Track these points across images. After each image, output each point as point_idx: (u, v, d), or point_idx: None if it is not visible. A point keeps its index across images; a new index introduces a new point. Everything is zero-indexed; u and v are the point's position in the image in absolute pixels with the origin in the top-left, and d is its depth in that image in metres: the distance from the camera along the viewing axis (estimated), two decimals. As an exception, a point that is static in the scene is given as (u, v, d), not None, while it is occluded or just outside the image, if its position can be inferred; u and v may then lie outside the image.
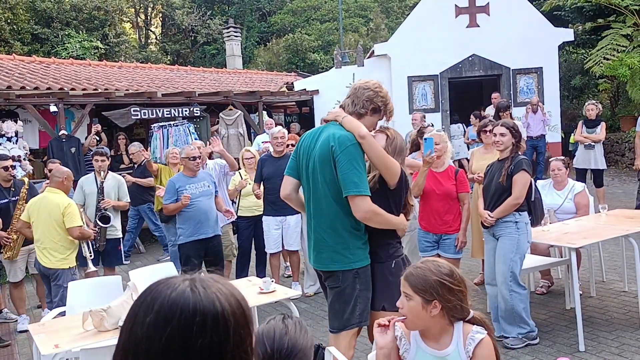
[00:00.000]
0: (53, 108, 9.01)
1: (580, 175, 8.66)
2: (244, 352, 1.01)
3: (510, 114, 8.44)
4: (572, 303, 5.28)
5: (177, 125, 9.77)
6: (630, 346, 4.42)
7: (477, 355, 2.22)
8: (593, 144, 8.66)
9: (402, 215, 3.25)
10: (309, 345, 1.76)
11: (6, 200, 5.97)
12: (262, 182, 6.19)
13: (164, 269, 4.83)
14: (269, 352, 1.69)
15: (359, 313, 3.09)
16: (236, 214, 6.48)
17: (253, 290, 4.05)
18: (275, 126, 9.86)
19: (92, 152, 7.43)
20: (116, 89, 10.09)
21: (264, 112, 11.76)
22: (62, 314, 4.33)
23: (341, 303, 3.09)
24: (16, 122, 9.05)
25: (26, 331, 5.95)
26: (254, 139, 10.78)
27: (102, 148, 7.48)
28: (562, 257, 5.52)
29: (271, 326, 1.77)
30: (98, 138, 9.77)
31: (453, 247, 5.09)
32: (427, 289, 2.18)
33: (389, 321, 2.17)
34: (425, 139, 4.70)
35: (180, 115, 10.04)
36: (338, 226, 3.08)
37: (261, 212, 6.47)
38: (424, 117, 9.12)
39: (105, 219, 6.24)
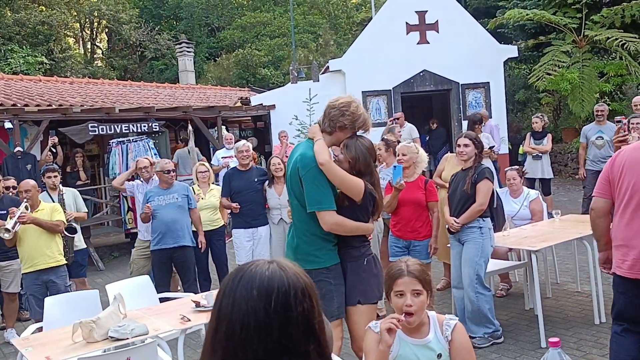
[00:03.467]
0: (8, 124, 8.83)
1: (530, 184, 9.09)
2: (322, 320, 1.18)
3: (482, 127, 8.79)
4: (531, 304, 5.60)
5: (136, 141, 9.72)
6: (587, 341, 4.74)
7: (455, 338, 2.47)
8: (540, 154, 9.12)
9: (361, 226, 3.48)
10: None
11: None
12: (230, 197, 6.30)
13: (140, 282, 4.86)
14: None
15: (337, 306, 3.37)
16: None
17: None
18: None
19: (42, 170, 7.29)
20: (71, 105, 9.97)
21: (223, 127, 11.82)
22: (39, 329, 4.30)
23: (320, 298, 3.28)
24: (-32, 139, 8.83)
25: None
26: (213, 154, 10.82)
27: (52, 164, 7.66)
28: (520, 260, 5.85)
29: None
30: (54, 151, 9.62)
31: (423, 253, 5.33)
32: (428, 282, 2.39)
33: (398, 321, 2.33)
34: (394, 167, 4.96)
35: (139, 130, 9.99)
36: (309, 233, 3.40)
37: (215, 227, 6.60)
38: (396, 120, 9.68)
39: (71, 230, 6.24)
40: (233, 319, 1.14)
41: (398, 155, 5.42)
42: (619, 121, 4.54)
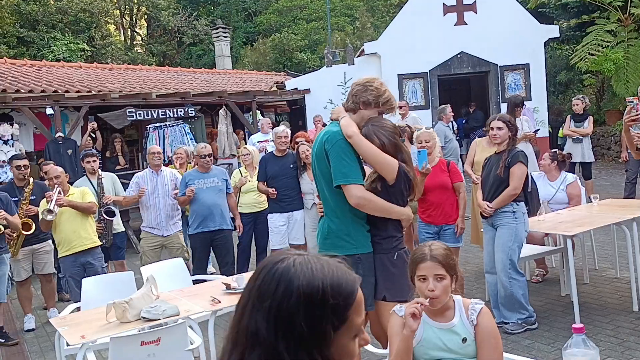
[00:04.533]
0: (49, 110, 9.07)
1: (570, 168, 8.87)
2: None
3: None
4: (567, 290, 5.49)
5: (172, 126, 9.87)
6: (624, 328, 4.62)
7: (481, 322, 2.43)
8: (581, 137, 8.89)
9: (396, 209, 3.30)
10: None
11: (16, 199, 6.06)
12: (266, 181, 6.36)
13: (174, 264, 4.95)
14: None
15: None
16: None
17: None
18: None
19: (81, 156, 7.45)
20: (109, 91, 10.16)
21: (258, 112, 11.88)
22: (77, 309, 4.43)
23: None
24: (12, 125, 9.10)
25: (33, 330, 6.07)
26: (248, 138, 10.90)
27: (90, 150, 7.80)
28: (556, 246, 5.73)
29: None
30: (94, 136, 9.84)
31: (453, 236, 5.26)
32: (452, 266, 2.36)
33: (420, 306, 2.30)
34: (418, 151, 4.87)
35: (175, 115, 10.13)
36: (340, 214, 3.26)
37: (261, 209, 6.68)
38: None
39: (110, 213, 6.40)
40: (276, 316, 1.11)
41: (420, 142, 5.33)
42: (631, 101, 4.42)
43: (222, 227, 6.06)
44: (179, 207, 6.48)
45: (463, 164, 7.48)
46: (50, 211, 5.31)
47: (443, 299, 2.42)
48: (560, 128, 10.05)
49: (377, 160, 3.22)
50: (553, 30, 13.19)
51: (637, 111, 4.40)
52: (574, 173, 7.95)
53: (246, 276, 4.22)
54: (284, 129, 6.59)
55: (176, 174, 6.56)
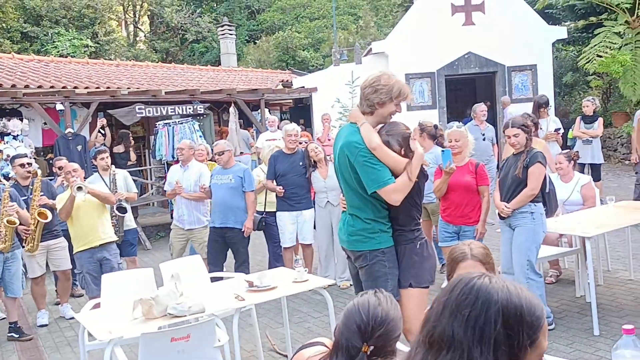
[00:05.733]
0: (59, 106, 9.06)
1: (579, 169, 8.89)
2: None
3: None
4: (582, 291, 5.50)
5: (181, 123, 9.86)
6: (642, 330, 4.62)
7: None
8: (591, 139, 8.90)
9: (410, 164, 3.34)
10: (398, 317, 1.91)
11: (25, 198, 6.04)
12: (275, 179, 6.35)
13: (192, 261, 4.96)
14: (365, 320, 1.84)
15: (390, 288, 3.32)
16: (264, 209, 6.70)
17: (287, 280, 4.19)
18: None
19: (93, 153, 7.48)
20: (118, 87, 10.16)
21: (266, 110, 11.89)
22: (97, 305, 4.43)
23: (373, 280, 3.37)
24: (21, 121, 9.09)
25: (46, 325, 6.07)
26: (257, 136, 10.90)
27: (101, 146, 7.99)
28: (571, 247, 5.74)
29: (365, 299, 1.92)
30: (103, 132, 9.83)
31: (472, 239, 5.26)
32: (492, 265, 2.38)
33: None
34: (442, 151, 4.89)
35: (184, 113, 10.13)
36: (362, 216, 3.39)
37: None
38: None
39: (122, 210, 6.42)
40: (470, 335, 1.23)
41: (450, 141, 5.34)
42: None
43: (229, 226, 6.07)
44: (205, 202, 6.57)
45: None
46: (80, 188, 5.28)
47: None
48: (570, 129, 10.05)
49: (402, 168, 3.32)
50: (561, 32, 13.20)
51: None
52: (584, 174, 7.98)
53: (268, 274, 4.23)
54: (294, 127, 6.59)
55: (202, 169, 6.62)
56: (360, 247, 3.41)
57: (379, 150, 3.28)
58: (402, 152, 3.38)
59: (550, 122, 8.29)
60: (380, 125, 3.44)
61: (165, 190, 7.07)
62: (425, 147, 5.83)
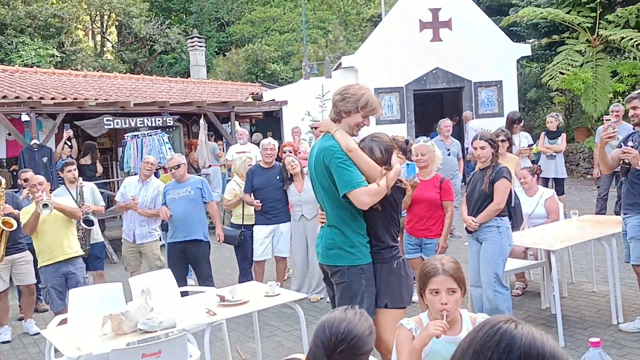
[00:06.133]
0: (25, 117, 8.89)
1: (543, 183, 9.09)
2: None
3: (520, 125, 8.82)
4: (547, 303, 5.63)
5: (150, 135, 9.78)
6: (605, 341, 4.74)
7: None
8: (554, 154, 9.12)
9: (387, 175, 3.32)
10: (366, 333, 1.93)
11: None
12: (252, 193, 6.35)
13: (162, 275, 4.91)
14: (328, 336, 1.86)
15: (366, 307, 3.26)
16: (242, 222, 6.64)
17: (258, 294, 4.19)
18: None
19: (60, 165, 7.34)
20: (85, 98, 10.03)
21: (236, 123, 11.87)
22: (63, 321, 4.35)
23: (349, 298, 3.30)
24: (-15, 131, 8.90)
25: (9, 342, 5.92)
26: (227, 148, 10.86)
27: (68, 158, 7.85)
28: (537, 260, 5.87)
29: (332, 315, 1.94)
30: (70, 144, 9.68)
31: (434, 252, 5.34)
32: (462, 280, 2.43)
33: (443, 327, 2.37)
34: (407, 164, 4.96)
35: (153, 125, 10.04)
36: (342, 227, 3.34)
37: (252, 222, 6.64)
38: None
39: (89, 222, 6.32)
40: None
41: (416, 155, 5.42)
42: (609, 119, 4.75)
43: (194, 238, 5.99)
44: (157, 219, 6.45)
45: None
46: (46, 205, 5.17)
47: (454, 312, 2.47)
48: (534, 144, 10.30)
49: (375, 174, 3.30)
50: (525, 49, 13.55)
51: (613, 129, 4.61)
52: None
53: (239, 288, 4.22)
54: (270, 140, 6.61)
55: (161, 187, 6.52)
56: (338, 262, 3.35)
57: (355, 153, 3.27)
58: (382, 162, 3.35)
59: (522, 138, 8.48)
60: (362, 137, 3.45)
61: (116, 200, 6.91)
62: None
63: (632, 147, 4.59)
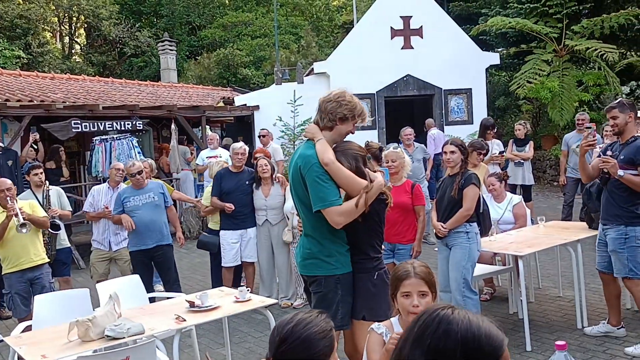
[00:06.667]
0: (-11, 119, 8.69)
1: (511, 190, 9.23)
2: None
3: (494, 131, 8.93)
4: (514, 308, 5.71)
5: (120, 139, 9.64)
6: (571, 345, 4.83)
7: None
8: (522, 161, 9.28)
9: (366, 193, 3.27)
10: (317, 337, 1.82)
11: None
12: (220, 197, 6.30)
13: (130, 281, 4.84)
14: (274, 336, 1.84)
15: (340, 317, 3.25)
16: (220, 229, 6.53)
17: (228, 300, 4.16)
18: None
19: (27, 168, 7.20)
20: (53, 101, 9.85)
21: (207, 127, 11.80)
22: (28, 327, 4.25)
23: (324, 307, 3.24)
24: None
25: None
26: (197, 153, 10.78)
27: (35, 162, 7.62)
28: (505, 265, 5.96)
29: (289, 316, 1.91)
30: (36, 147, 9.49)
31: (407, 257, 5.38)
32: (434, 283, 2.46)
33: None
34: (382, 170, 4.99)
35: (122, 128, 9.90)
36: (318, 236, 3.29)
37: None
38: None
39: (55, 227, 6.20)
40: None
41: (387, 162, 5.45)
42: (589, 127, 4.83)
43: (161, 244, 5.93)
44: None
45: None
46: (24, 225, 5.09)
47: None
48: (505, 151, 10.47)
49: (354, 188, 3.25)
50: (494, 57, 13.78)
51: (593, 137, 4.69)
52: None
53: (209, 293, 4.18)
54: (241, 145, 6.57)
55: None
56: (315, 272, 3.30)
57: (332, 166, 3.18)
58: (353, 171, 3.29)
59: (494, 145, 8.61)
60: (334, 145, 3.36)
61: (85, 211, 6.67)
62: (370, 168, 5.92)
63: (611, 156, 4.65)
